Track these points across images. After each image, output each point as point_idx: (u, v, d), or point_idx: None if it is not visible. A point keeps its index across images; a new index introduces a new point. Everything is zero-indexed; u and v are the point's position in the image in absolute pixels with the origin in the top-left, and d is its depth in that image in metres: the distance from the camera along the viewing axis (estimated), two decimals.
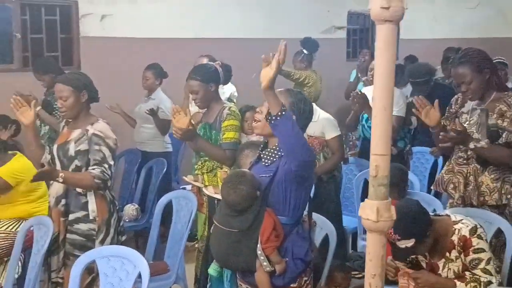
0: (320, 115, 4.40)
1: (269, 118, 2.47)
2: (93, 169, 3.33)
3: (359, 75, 6.86)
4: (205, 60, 5.28)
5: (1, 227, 4.25)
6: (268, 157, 2.67)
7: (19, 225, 4.18)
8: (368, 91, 5.02)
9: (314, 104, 4.48)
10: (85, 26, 6.42)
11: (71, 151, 3.41)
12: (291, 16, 7.98)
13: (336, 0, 8.53)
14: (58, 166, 3.46)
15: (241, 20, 7.53)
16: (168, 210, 4.11)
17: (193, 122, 4.90)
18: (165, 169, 5.20)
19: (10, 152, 4.53)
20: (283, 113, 2.43)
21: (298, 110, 2.73)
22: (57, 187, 3.46)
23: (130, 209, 5.11)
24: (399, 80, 6.95)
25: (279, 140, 2.54)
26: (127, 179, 5.74)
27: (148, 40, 6.68)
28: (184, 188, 5.64)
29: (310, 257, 2.64)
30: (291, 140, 2.48)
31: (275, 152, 2.67)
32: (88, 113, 3.53)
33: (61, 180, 3.29)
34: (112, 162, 3.40)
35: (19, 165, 4.43)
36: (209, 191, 3.83)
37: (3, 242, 4.21)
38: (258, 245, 2.51)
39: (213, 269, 2.82)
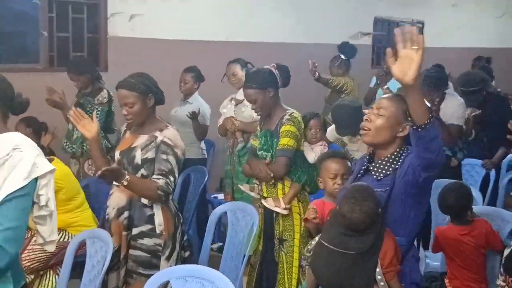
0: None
1: (415, 126, 2.15)
2: (158, 179, 3.05)
3: (379, 82, 6.62)
4: (237, 67, 5.06)
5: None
6: (380, 170, 2.40)
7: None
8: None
9: None
10: (113, 25, 6.13)
11: (137, 159, 3.12)
12: (319, 21, 7.76)
13: (363, 6, 8.31)
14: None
15: (270, 25, 7.28)
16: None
17: (235, 126, 4.70)
18: (206, 178, 4.90)
19: (47, 157, 4.24)
20: (431, 120, 2.13)
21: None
22: (118, 197, 3.17)
23: None
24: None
25: (419, 151, 2.22)
26: None
27: (179, 42, 6.42)
28: (216, 197, 5.42)
29: (423, 282, 2.37)
30: (433, 149, 2.17)
31: (389, 163, 2.40)
32: (154, 117, 3.25)
33: (125, 183, 3.00)
34: (177, 175, 3.12)
35: (58, 172, 4.12)
36: (269, 204, 3.56)
37: (40, 255, 3.91)
38: (378, 269, 2.24)
39: None
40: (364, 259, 2.22)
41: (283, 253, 3.58)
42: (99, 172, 2.89)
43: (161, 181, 3.04)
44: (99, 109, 4.92)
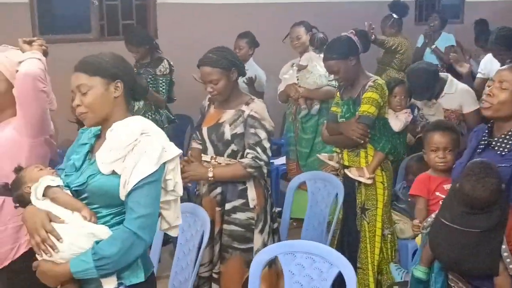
0: (458, 86, 4.08)
1: None
2: (246, 155, 3.05)
3: (427, 41, 6.48)
4: (302, 30, 4.95)
5: None
6: (504, 145, 2.34)
7: None
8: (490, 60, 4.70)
9: (449, 75, 4.21)
10: None
11: (227, 135, 3.09)
12: None
13: None
14: (211, 151, 3.16)
15: None
16: None
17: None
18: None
19: None
20: None
21: None
22: None
23: None
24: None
25: None
26: None
27: (228, 5, 6.31)
28: (272, 163, 5.39)
29: None
30: None
31: None
32: (239, 90, 3.21)
33: (212, 179, 3.04)
34: (268, 145, 3.08)
35: None
36: (353, 173, 3.52)
37: None
38: (504, 246, 2.21)
39: (420, 271, 2.52)
40: (489, 236, 2.20)
41: (365, 222, 3.57)
42: (184, 177, 2.85)
43: (247, 159, 3.03)
44: (163, 80, 4.88)
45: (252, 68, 5.34)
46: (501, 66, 4.48)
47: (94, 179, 2.09)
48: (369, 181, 3.49)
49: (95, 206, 2.10)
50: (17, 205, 2.25)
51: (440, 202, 2.59)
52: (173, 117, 5.12)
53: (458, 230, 2.21)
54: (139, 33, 4.98)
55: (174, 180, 2.15)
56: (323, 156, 3.83)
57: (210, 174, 3.04)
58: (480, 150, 2.40)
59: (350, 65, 3.47)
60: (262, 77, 5.32)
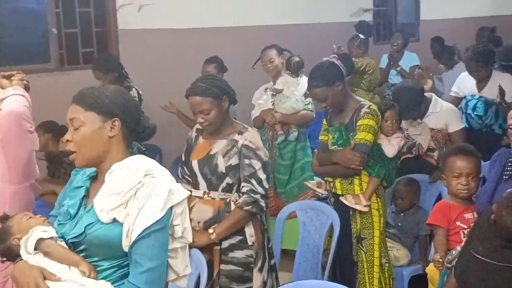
0: (443, 105, 4.02)
1: None
2: (242, 188, 2.87)
3: (391, 62, 6.47)
4: (274, 53, 4.81)
5: None
6: None
7: None
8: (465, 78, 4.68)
9: (434, 95, 4.15)
10: (122, 18, 5.80)
11: (221, 167, 2.89)
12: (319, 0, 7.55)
13: None
14: (203, 186, 2.95)
15: (275, 6, 7.05)
16: None
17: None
18: None
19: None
20: None
21: None
22: (203, 210, 2.95)
23: None
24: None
25: None
26: None
27: (194, 30, 6.15)
28: None
29: None
30: None
31: None
32: (230, 119, 3.03)
33: (216, 240, 2.87)
34: (263, 176, 2.90)
35: None
36: (349, 201, 3.38)
37: None
38: None
39: None
40: None
41: (362, 252, 3.43)
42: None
43: (242, 198, 2.86)
44: None
45: None
46: (477, 83, 4.50)
47: (93, 228, 1.87)
48: (366, 209, 3.36)
49: (95, 259, 1.88)
50: (4, 259, 2.00)
51: (462, 233, 2.48)
52: (144, 149, 4.87)
53: (493, 265, 2.07)
54: (107, 59, 4.75)
55: (183, 225, 1.95)
56: (311, 184, 3.67)
57: (213, 237, 2.86)
58: (506, 177, 2.28)
59: (337, 90, 3.35)
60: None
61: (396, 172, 3.71)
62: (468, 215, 2.54)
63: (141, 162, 1.93)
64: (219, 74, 5.17)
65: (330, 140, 3.47)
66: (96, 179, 2.03)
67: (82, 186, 2.01)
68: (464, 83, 4.64)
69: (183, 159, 3.15)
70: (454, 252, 2.32)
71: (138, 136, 2.06)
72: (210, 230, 2.87)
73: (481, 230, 2.15)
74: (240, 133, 2.93)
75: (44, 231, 1.93)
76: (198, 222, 2.95)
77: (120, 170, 1.89)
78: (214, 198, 2.93)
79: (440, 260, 2.45)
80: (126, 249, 1.84)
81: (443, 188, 3.85)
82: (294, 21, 7.18)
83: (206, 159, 2.95)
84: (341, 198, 3.41)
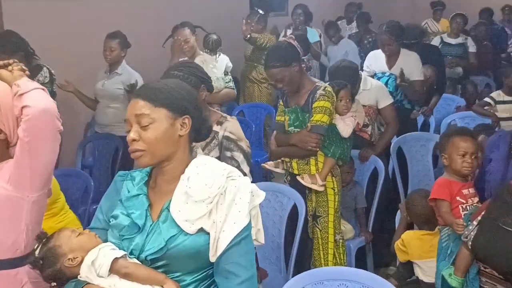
0: (372, 82, 4.19)
1: None
2: None
3: None
4: (188, 32, 4.63)
5: None
6: None
7: None
8: (375, 56, 4.90)
9: (363, 73, 4.30)
10: None
11: None
12: None
13: None
14: None
15: None
16: None
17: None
18: None
19: None
20: None
21: None
22: None
23: None
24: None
25: None
26: (101, 169, 4.89)
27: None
28: None
29: None
30: None
31: None
32: (207, 108, 2.84)
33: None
34: (247, 169, 2.73)
35: None
36: (306, 181, 3.42)
37: None
38: None
39: (457, 282, 2.52)
40: None
41: (317, 229, 3.50)
42: None
43: None
44: None
45: (127, 71, 4.91)
46: (387, 61, 4.73)
47: (176, 241, 1.69)
48: (322, 188, 3.42)
49: (176, 274, 1.71)
50: (54, 284, 1.73)
51: (461, 207, 2.63)
52: None
53: None
54: (10, 39, 4.19)
55: (256, 227, 1.83)
56: (269, 165, 3.63)
57: None
58: None
59: (294, 71, 3.34)
60: (139, 81, 4.88)
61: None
62: (465, 191, 2.71)
63: (216, 164, 1.78)
64: (123, 50, 4.90)
65: (286, 122, 3.46)
66: (148, 183, 1.84)
67: (140, 194, 1.80)
68: (374, 60, 4.85)
69: None
70: (470, 227, 2.45)
71: (199, 136, 1.87)
72: None
73: (507, 204, 2.28)
74: (219, 123, 2.75)
75: (112, 248, 1.71)
76: None
77: (198, 175, 1.72)
78: None
79: (463, 223, 2.55)
80: (213, 259, 1.70)
81: (379, 163, 4.06)
82: None
83: None
84: (298, 178, 3.43)
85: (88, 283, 1.71)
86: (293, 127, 3.42)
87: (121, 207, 1.81)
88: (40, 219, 1.98)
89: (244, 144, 2.76)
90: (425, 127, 5.38)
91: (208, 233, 1.69)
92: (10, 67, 1.96)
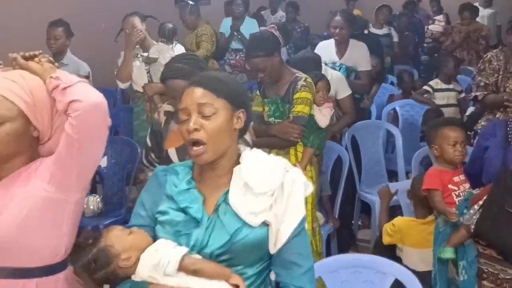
0: (332, 73, 4.27)
1: None
2: None
3: (235, 32, 6.49)
4: (136, 20, 4.49)
5: None
6: None
7: None
8: (326, 46, 4.98)
9: (324, 64, 4.37)
10: None
11: None
12: None
13: None
14: None
15: None
16: None
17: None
18: (139, 152, 4.33)
19: None
20: None
21: None
22: None
23: (93, 202, 4.13)
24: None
25: None
26: None
27: None
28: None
29: None
30: None
31: None
32: None
33: None
34: None
35: None
36: None
37: None
38: None
39: (450, 252, 2.68)
40: None
41: None
42: None
43: None
44: None
45: (73, 61, 4.71)
46: (337, 51, 4.83)
47: (241, 234, 1.69)
48: None
49: (238, 268, 1.71)
50: (107, 286, 1.67)
51: (454, 194, 2.77)
52: None
53: None
54: None
55: None
56: None
57: None
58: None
59: (276, 61, 3.35)
60: (87, 70, 4.69)
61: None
62: (456, 178, 2.85)
63: (270, 157, 1.79)
64: (68, 39, 4.70)
65: (266, 112, 3.47)
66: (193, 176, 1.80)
67: (190, 188, 1.77)
68: (324, 50, 4.93)
69: (150, 144, 2.84)
70: (471, 211, 2.58)
71: (245, 132, 1.86)
72: None
73: (510, 188, 2.43)
74: None
75: (173, 246, 1.66)
76: None
77: (258, 168, 1.72)
78: None
79: (455, 212, 2.68)
80: (273, 251, 1.71)
81: (343, 151, 4.18)
82: None
83: (186, 147, 2.70)
84: None
85: (149, 282, 1.66)
86: (273, 118, 3.44)
87: (169, 202, 1.76)
88: (78, 222, 1.87)
89: (249, 136, 2.73)
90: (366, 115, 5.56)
91: (267, 225, 1.70)
92: (37, 59, 1.83)
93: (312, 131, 3.51)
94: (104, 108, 1.72)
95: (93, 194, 4.18)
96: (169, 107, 2.82)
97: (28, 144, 1.80)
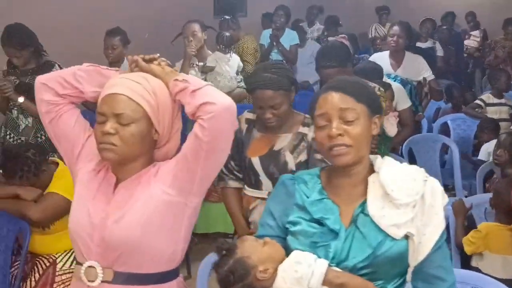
0: (392, 85, 4.23)
1: None
2: None
3: (274, 43, 6.46)
4: (196, 27, 4.51)
5: (63, 264, 3.09)
6: None
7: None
8: (380, 58, 4.95)
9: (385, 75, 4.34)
10: None
11: (291, 165, 2.60)
12: None
13: None
14: (268, 186, 2.64)
15: None
16: None
17: None
18: None
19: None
20: None
21: None
22: None
23: None
24: None
25: None
26: None
27: None
28: None
29: None
30: None
31: None
32: (291, 109, 2.72)
33: None
34: None
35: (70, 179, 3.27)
36: None
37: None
38: None
39: None
40: None
41: None
42: None
43: None
44: None
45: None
46: (392, 60, 4.79)
47: (384, 247, 1.62)
48: None
49: (379, 282, 1.65)
50: None
51: None
52: None
53: None
54: (20, 32, 3.86)
55: None
56: None
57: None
58: None
59: (348, 72, 3.29)
60: None
61: None
62: None
63: (406, 166, 1.73)
64: (125, 47, 4.68)
65: None
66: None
67: (324, 198, 1.71)
68: (379, 61, 4.89)
69: (231, 152, 2.81)
70: None
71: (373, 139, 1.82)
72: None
73: None
74: (306, 124, 2.65)
75: (315, 258, 1.60)
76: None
77: (398, 178, 1.65)
78: None
79: None
80: (413, 264, 1.64)
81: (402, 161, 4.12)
82: None
83: (270, 156, 2.65)
84: None
85: None
86: None
87: (300, 212, 1.71)
88: (192, 228, 1.84)
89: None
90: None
91: (407, 237, 1.64)
92: (156, 62, 1.82)
93: (380, 141, 3.46)
94: (234, 111, 1.69)
95: None
96: (250, 115, 2.79)
97: (148, 147, 1.78)
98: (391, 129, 3.51)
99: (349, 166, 1.67)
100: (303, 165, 2.60)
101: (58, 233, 3.14)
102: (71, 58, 4.83)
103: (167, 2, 6.61)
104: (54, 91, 1.83)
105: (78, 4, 5.37)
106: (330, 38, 3.74)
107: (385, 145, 3.49)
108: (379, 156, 1.76)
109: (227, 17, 6.14)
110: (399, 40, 4.72)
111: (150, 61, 1.81)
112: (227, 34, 4.57)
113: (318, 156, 2.57)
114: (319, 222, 1.67)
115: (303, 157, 2.62)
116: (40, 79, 1.86)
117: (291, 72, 2.75)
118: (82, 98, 1.86)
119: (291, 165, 2.61)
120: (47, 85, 1.83)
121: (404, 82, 4.75)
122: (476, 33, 9.70)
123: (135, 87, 1.72)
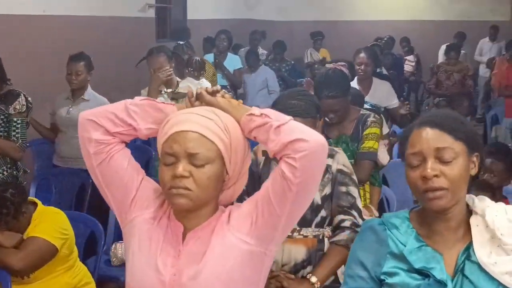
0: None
1: None
2: (341, 223, 2.46)
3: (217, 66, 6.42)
4: (162, 59, 4.34)
5: None
6: None
7: None
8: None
9: None
10: None
11: (317, 199, 2.44)
12: None
13: None
14: None
15: None
16: None
17: None
18: None
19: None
20: None
21: None
22: (294, 250, 2.46)
23: (122, 249, 3.80)
24: None
25: None
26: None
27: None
28: None
29: None
30: None
31: None
32: None
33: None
34: (361, 205, 2.55)
35: (61, 218, 3.01)
36: (364, 215, 3.29)
37: None
38: None
39: None
40: None
41: None
42: None
43: (343, 234, 2.43)
44: (18, 121, 3.64)
45: (94, 97, 4.48)
46: (360, 87, 4.81)
47: None
48: None
49: None
50: None
51: None
52: (28, 170, 3.86)
53: None
54: None
55: None
56: None
57: (318, 286, 2.35)
58: None
59: (348, 101, 3.24)
60: None
61: None
62: None
63: (505, 206, 1.61)
64: (89, 74, 4.45)
65: None
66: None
67: (423, 245, 1.58)
68: None
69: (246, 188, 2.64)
70: None
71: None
72: (313, 279, 2.36)
73: None
74: (330, 155, 2.49)
75: None
76: (283, 265, 2.46)
77: (505, 220, 1.55)
78: (306, 236, 2.45)
79: None
80: None
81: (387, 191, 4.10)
82: (84, 13, 6.46)
83: None
84: None
85: None
86: None
87: (396, 261, 1.57)
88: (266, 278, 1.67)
89: (355, 177, 2.57)
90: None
91: None
92: (219, 94, 1.64)
93: (376, 169, 3.42)
94: (327, 149, 1.54)
95: (121, 241, 3.88)
96: None
97: (219, 189, 1.61)
98: (384, 156, 3.46)
99: (446, 210, 1.56)
100: (328, 198, 2.47)
101: (38, 281, 2.92)
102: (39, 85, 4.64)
103: (110, 27, 6.45)
104: (104, 128, 1.60)
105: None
106: (327, 65, 3.65)
107: (378, 174, 3.44)
108: (473, 196, 1.65)
109: (181, 42, 6.01)
110: (367, 68, 4.74)
111: (213, 93, 1.64)
112: (198, 58, 4.43)
113: (343, 188, 2.47)
114: (420, 272, 1.54)
115: (328, 190, 2.48)
116: (86, 115, 1.63)
117: (316, 99, 2.63)
118: (134, 136, 1.65)
119: (317, 199, 2.46)
120: (96, 122, 1.60)
121: (373, 107, 4.77)
122: (410, 57, 10.07)
123: (207, 124, 1.54)
